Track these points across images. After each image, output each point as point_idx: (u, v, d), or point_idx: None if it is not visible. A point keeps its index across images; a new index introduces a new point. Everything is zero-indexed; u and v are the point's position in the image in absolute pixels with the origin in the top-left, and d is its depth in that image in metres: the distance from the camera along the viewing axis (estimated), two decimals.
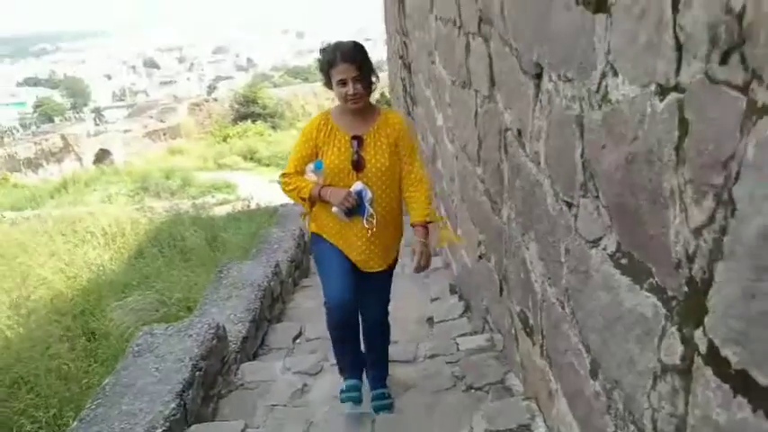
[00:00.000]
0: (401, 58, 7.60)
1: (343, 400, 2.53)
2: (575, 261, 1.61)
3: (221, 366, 2.87)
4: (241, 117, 30.64)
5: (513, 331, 2.51)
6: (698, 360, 1.00)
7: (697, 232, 0.97)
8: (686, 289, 1.03)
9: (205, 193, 18.75)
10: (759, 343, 0.83)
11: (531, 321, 2.19)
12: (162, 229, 10.20)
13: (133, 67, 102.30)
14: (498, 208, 2.56)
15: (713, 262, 0.93)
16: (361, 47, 2.43)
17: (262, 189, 16.69)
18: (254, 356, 3.34)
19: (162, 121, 31.79)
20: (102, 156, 28.51)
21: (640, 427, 1.24)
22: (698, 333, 1.00)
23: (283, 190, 2.52)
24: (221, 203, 15.18)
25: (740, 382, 0.88)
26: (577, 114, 1.49)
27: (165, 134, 30.16)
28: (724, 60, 0.85)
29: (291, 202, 2.81)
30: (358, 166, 2.40)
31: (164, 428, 2.22)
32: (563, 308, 1.75)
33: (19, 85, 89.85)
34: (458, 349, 2.92)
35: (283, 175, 2.52)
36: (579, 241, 1.56)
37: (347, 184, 2.38)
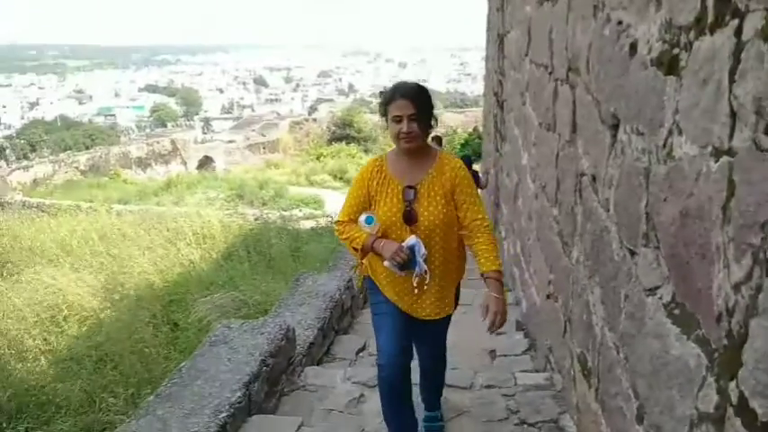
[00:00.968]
0: (495, 95, 7.71)
1: None
2: (632, 307, 1.66)
3: (287, 366, 3.06)
4: (336, 138, 31.77)
5: (572, 372, 2.53)
6: (730, 410, 1.05)
7: (736, 288, 1.02)
8: (725, 342, 1.08)
9: (293, 206, 19.51)
10: None
11: (589, 364, 2.22)
12: (250, 235, 10.74)
13: (243, 83, 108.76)
14: (569, 249, 2.60)
15: (749, 318, 0.99)
16: (423, 88, 2.32)
17: None
18: (319, 363, 3.52)
19: (263, 135, 33.48)
20: (206, 162, 30.40)
21: None
22: (732, 384, 1.04)
23: (339, 238, 2.42)
24: (307, 218, 15.76)
25: None
26: (645, 167, 1.56)
27: (264, 148, 31.70)
28: None
29: None
30: (410, 219, 2.26)
31: (228, 413, 2.42)
32: (618, 352, 1.79)
33: (140, 90, 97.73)
34: (515, 384, 2.95)
35: (337, 222, 2.42)
36: (638, 288, 1.61)
37: (400, 236, 2.26)
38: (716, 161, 1.11)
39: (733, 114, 1.04)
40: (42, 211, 16.33)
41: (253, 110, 73.72)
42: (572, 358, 2.55)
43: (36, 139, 44.89)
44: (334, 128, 32.90)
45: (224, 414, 2.39)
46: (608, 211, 1.94)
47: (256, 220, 12.68)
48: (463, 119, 32.07)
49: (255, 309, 5.41)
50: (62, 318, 6.18)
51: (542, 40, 3.35)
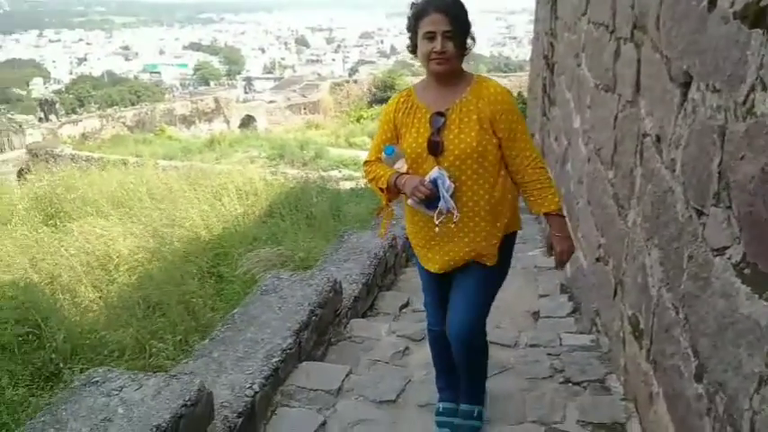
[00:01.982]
0: (545, 57, 7.51)
1: (438, 424, 2.28)
2: (696, 268, 1.64)
3: (334, 317, 3.14)
4: (377, 100, 31.53)
5: (621, 334, 2.52)
6: None
7: None
8: None
9: (333, 167, 19.62)
10: None
11: (641, 325, 2.21)
12: (291, 194, 10.89)
13: (285, 44, 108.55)
14: (625, 212, 2.56)
15: None
16: (460, 2, 2.00)
17: None
18: (363, 316, 3.60)
19: (304, 96, 33.51)
20: (248, 121, 30.71)
21: (737, 429, 1.28)
22: None
23: (366, 179, 2.22)
24: (346, 179, 15.86)
25: None
26: (721, 125, 1.51)
27: (305, 108, 31.77)
28: None
29: None
30: (435, 149, 1.98)
31: (280, 358, 2.51)
32: (677, 313, 1.77)
33: (184, 48, 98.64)
34: (561, 344, 2.96)
35: (365, 163, 2.20)
36: (704, 249, 1.59)
37: (427, 170, 1.99)
38: None
39: None
40: (90, 164, 16.86)
41: (294, 70, 73.68)
42: (622, 320, 2.54)
43: (84, 94, 46.07)
44: (375, 90, 32.66)
45: (276, 359, 2.48)
46: (673, 171, 1.90)
47: (297, 179, 12.83)
48: (507, 83, 31.36)
49: (299, 264, 5.52)
50: (113, 267, 6.44)
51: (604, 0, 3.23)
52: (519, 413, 2.38)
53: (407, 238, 2.28)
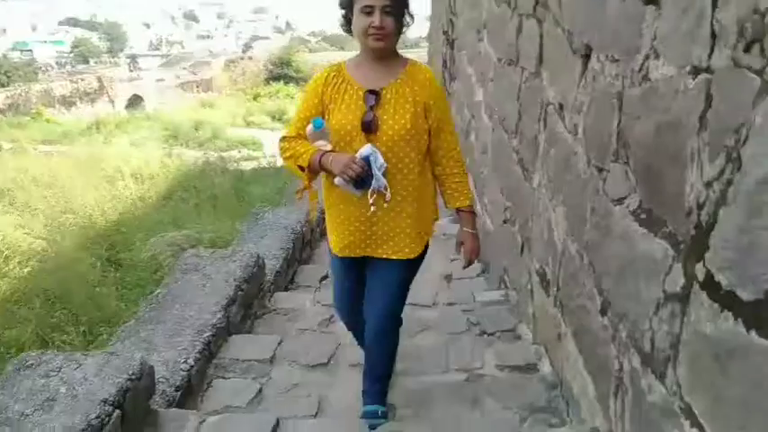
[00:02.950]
0: (445, 33, 7.75)
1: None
2: (598, 218, 1.85)
3: (258, 292, 3.16)
4: (274, 78, 30.95)
5: (529, 286, 2.76)
6: (695, 287, 1.24)
7: (708, 185, 1.20)
8: (693, 233, 1.27)
9: (232, 147, 19.10)
10: (744, 268, 1.07)
11: (548, 276, 2.44)
12: (190, 175, 10.54)
13: (172, 18, 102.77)
14: (530, 176, 2.79)
15: (718, 208, 1.17)
16: None
17: None
18: (285, 290, 3.64)
19: (194, 73, 32.13)
20: (135, 101, 29.02)
21: (639, 348, 1.50)
22: (698, 266, 1.24)
23: (282, 157, 2.06)
24: (247, 159, 15.52)
25: (727, 300, 1.12)
26: (618, 90, 1.72)
27: (198, 86, 30.54)
28: (747, 49, 1.08)
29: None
30: (369, 127, 1.91)
31: (211, 333, 2.52)
32: (582, 259, 2.00)
33: (60, 23, 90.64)
34: (474, 300, 3.18)
35: (283, 138, 2.05)
36: (605, 200, 1.80)
37: (356, 150, 1.90)
38: (694, 79, 1.27)
39: (713, 36, 1.19)
40: None
41: (183, 47, 70.20)
42: (529, 274, 2.78)
43: None
44: (271, 67, 32.00)
45: (207, 333, 2.49)
46: (576, 135, 2.11)
47: (195, 160, 12.40)
48: None
49: (209, 245, 5.42)
50: (1, 260, 5.97)
51: None
52: (443, 363, 2.56)
53: (323, 217, 2.20)
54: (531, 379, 2.38)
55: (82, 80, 29.07)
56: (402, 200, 1.97)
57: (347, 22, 1.97)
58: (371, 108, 1.92)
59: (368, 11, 1.86)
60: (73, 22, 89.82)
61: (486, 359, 2.55)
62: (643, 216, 1.55)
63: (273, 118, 25.39)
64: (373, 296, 2.11)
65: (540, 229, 2.58)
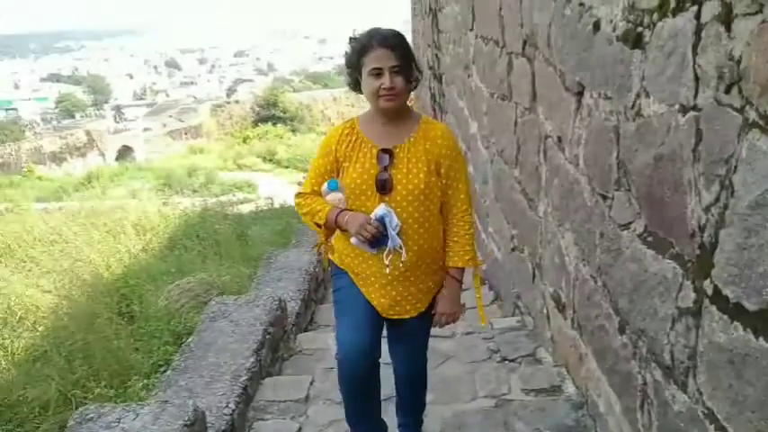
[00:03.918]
0: (431, 68, 8.02)
1: None
2: (608, 242, 2.01)
3: (283, 334, 3.28)
4: (261, 120, 31.38)
5: (544, 311, 2.90)
6: (706, 302, 1.39)
7: (707, 209, 1.36)
8: (698, 252, 1.43)
9: (227, 191, 19.27)
10: (747, 282, 1.23)
11: (563, 299, 2.59)
12: (191, 223, 10.63)
13: (155, 67, 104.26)
14: (535, 205, 2.95)
15: (718, 230, 1.33)
16: (402, 34, 1.98)
17: (282, 189, 17.19)
18: (305, 331, 3.75)
19: (181, 120, 32.51)
20: (125, 152, 29.25)
21: (660, 361, 1.64)
22: (706, 282, 1.39)
23: (299, 213, 2.10)
24: (243, 202, 15.67)
25: (736, 312, 1.27)
26: (615, 125, 1.89)
27: (186, 133, 30.87)
28: (728, 91, 1.25)
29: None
30: (384, 186, 1.93)
31: (246, 377, 2.63)
32: (596, 282, 2.15)
33: (42, 80, 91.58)
34: (492, 328, 3.30)
35: (298, 195, 2.09)
36: (613, 226, 1.96)
37: (370, 209, 1.93)
38: (683, 116, 1.44)
39: (696, 79, 1.37)
40: None
41: (167, 95, 70.89)
42: (543, 299, 2.92)
43: None
44: (258, 109, 32.51)
45: (243, 378, 2.60)
46: (577, 166, 2.28)
47: (194, 207, 12.54)
48: None
49: (225, 289, 5.53)
50: (16, 320, 6.05)
51: (491, 17, 3.65)
52: (471, 391, 2.68)
53: (331, 259, 2.15)
54: (557, 400, 2.50)
55: (71, 135, 29.35)
56: (418, 258, 1.98)
57: (355, 82, 2.00)
58: (385, 168, 1.95)
59: (377, 72, 1.89)
60: (55, 78, 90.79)
61: (511, 384, 2.67)
62: (650, 239, 1.71)
63: (264, 159, 25.70)
64: (398, 353, 2.19)
65: (550, 255, 2.73)
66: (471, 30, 4.45)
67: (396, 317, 2.04)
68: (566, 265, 2.51)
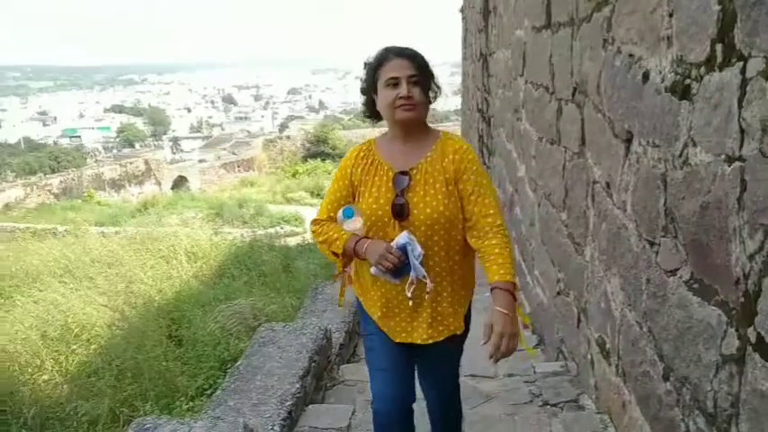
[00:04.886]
0: (480, 111, 8.16)
1: None
2: (654, 288, 2.03)
3: (327, 364, 3.36)
4: (311, 155, 32.12)
5: (589, 356, 2.89)
6: (749, 349, 1.41)
7: (751, 257, 1.39)
8: (742, 300, 1.45)
9: (275, 223, 19.72)
10: None
11: (608, 345, 2.58)
12: (239, 253, 10.95)
13: (212, 102, 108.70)
14: (581, 249, 2.98)
15: (762, 278, 1.36)
16: (420, 53, 1.91)
17: None
18: (348, 362, 3.82)
19: (234, 153, 33.58)
20: (180, 182, 30.34)
21: (703, 409, 1.64)
22: (750, 330, 1.41)
23: (315, 240, 2.00)
24: (290, 235, 16.02)
25: None
26: (662, 173, 1.94)
27: (239, 166, 31.82)
28: None
29: None
30: (401, 212, 1.83)
31: (292, 402, 2.71)
32: (641, 327, 2.16)
33: (106, 111, 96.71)
34: (534, 372, 3.30)
35: (314, 221, 2.00)
36: (659, 272, 1.99)
37: (389, 235, 1.84)
38: (729, 165, 1.49)
39: (741, 131, 1.42)
40: (15, 235, 16.23)
41: (222, 128, 73.67)
42: (588, 344, 2.92)
43: None
44: (308, 144, 33.31)
45: (289, 402, 2.68)
46: (625, 211, 2.32)
47: (243, 238, 12.91)
48: None
49: (271, 317, 5.68)
50: (71, 337, 6.34)
51: (541, 64, 3.76)
52: None
53: (360, 303, 2.09)
54: None
55: (130, 163, 30.69)
56: (442, 288, 1.91)
57: (371, 106, 1.94)
58: (402, 192, 1.85)
59: (393, 82, 1.82)
60: (118, 109, 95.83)
61: (552, 429, 2.66)
62: (696, 286, 1.73)
63: (312, 194, 26.20)
64: (428, 380, 2.13)
65: (596, 300, 2.74)
66: (521, 75, 4.57)
67: (426, 341, 1.94)
68: (611, 310, 2.52)
